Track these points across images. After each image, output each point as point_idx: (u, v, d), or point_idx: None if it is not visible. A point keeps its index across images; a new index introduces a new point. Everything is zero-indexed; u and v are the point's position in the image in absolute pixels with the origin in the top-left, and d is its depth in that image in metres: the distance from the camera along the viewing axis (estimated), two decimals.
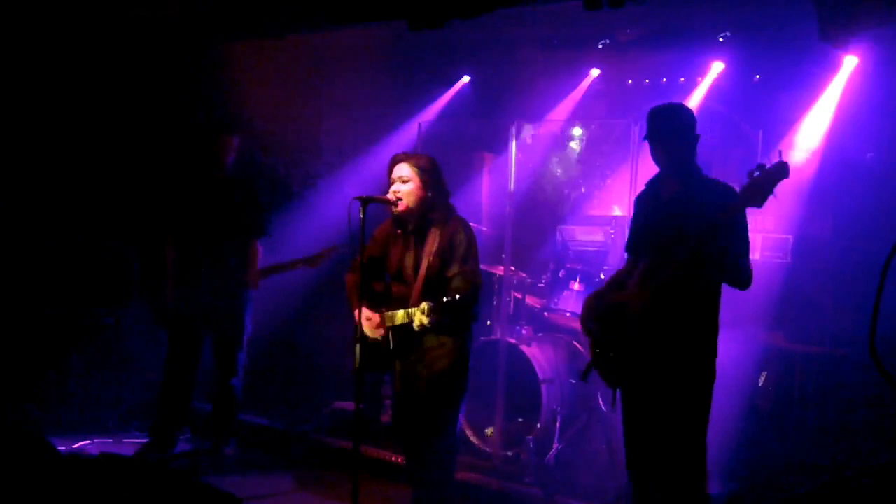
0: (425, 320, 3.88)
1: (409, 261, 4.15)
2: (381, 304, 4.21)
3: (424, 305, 3.88)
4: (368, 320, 4.11)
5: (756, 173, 3.21)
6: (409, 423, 4.22)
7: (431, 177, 4.14)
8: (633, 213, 3.90)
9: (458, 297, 3.86)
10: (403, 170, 4.12)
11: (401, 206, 4.11)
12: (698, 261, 3.40)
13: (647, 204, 3.80)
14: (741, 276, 3.48)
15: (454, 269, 4.07)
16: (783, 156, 3.19)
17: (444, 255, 4.07)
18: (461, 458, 4.65)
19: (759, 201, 3.22)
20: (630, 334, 3.57)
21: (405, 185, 4.10)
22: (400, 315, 4.06)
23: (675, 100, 3.83)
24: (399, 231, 4.22)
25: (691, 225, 3.41)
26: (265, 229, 5.36)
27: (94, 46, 6.00)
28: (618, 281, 3.83)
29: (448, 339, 4.08)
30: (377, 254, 4.28)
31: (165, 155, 6.06)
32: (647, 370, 3.54)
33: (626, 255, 3.94)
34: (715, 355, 3.57)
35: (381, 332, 4.14)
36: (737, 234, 3.44)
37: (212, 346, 5.38)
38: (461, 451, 4.70)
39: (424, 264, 4.07)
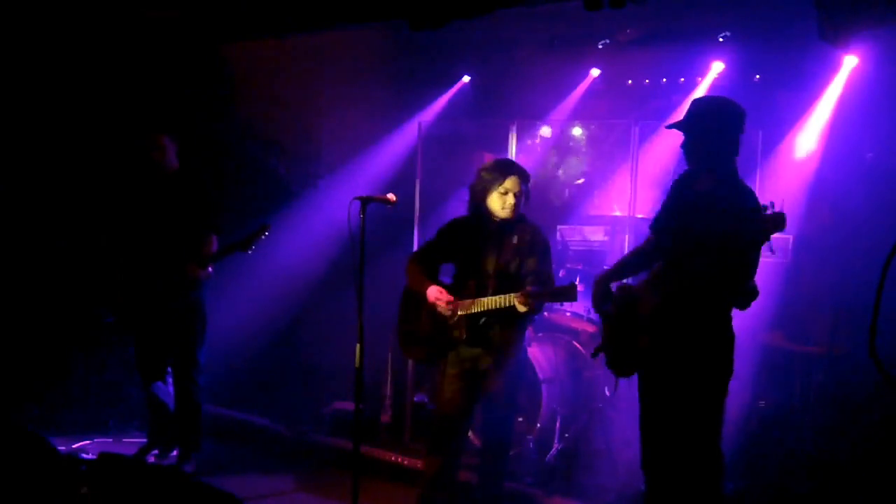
0: (522, 306, 4.04)
1: (488, 254, 4.30)
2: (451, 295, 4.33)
3: (525, 291, 4.04)
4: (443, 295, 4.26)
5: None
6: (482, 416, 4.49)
7: (528, 190, 4.37)
8: (668, 194, 3.78)
9: (554, 287, 4.16)
10: (519, 186, 4.29)
11: (511, 215, 4.27)
12: (714, 273, 3.36)
13: (683, 191, 3.68)
14: (742, 298, 3.46)
15: (530, 266, 4.25)
16: (777, 206, 3.16)
17: (523, 253, 4.27)
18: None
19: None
20: (639, 331, 3.55)
21: (517, 199, 4.28)
22: (488, 301, 4.16)
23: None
24: (476, 226, 4.35)
25: (716, 231, 3.33)
26: (216, 226, 5.15)
27: (95, 47, 6.00)
28: (635, 262, 3.84)
29: (516, 335, 4.29)
30: (445, 246, 4.44)
31: (112, 156, 5.97)
32: (656, 368, 3.53)
33: (648, 233, 3.86)
34: (730, 351, 3.52)
35: (450, 299, 4.25)
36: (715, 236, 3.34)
37: (169, 353, 5.20)
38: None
39: (504, 259, 4.26)
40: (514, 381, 4.37)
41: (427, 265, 4.41)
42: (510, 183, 4.26)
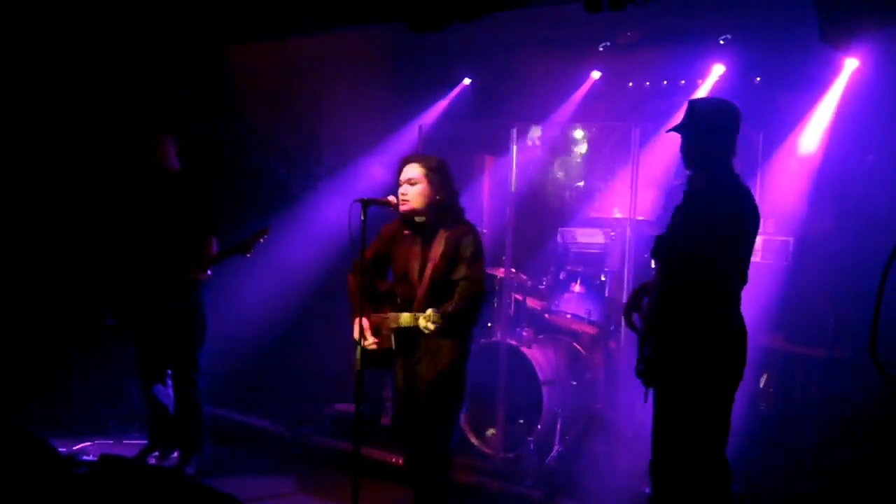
0: (431, 327, 3.87)
1: (415, 262, 4.11)
2: (385, 303, 4.21)
3: (430, 313, 3.86)
4: (364, 332, 4.08)
5: None
6: (409, 423, 4.23)
7: (440, 178, 4.08)
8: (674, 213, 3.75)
9: (462, 305, 3.88)
10: (412, 171, 4.07)
11: (406, 207, 4.06)
12: (683, 265, 3.38)
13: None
14: (700, 283, 3.37)
15: (460, 273, 4.03)
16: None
17: (450, 259, 4.03)
18: (462, 459, 4.64)
19: None
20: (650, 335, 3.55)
21: (413, 187, 4.05)
22: (405, 318, 4.03)
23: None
24: (406, 232, 4.19)
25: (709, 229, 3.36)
26: (216, 227, 5.12)
27: (96, 47, 6.01)
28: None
29: (449, 340, 4.07)
30: (382, 252, 4.26)
31: (113, 156, 5.96)
32: (664, 372, 3.52)
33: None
34: (733, 357, 3.50)
35: (376, 341, 4.11)
36: (694, 233, 3.37)
37: (169, 355, 5.18)
38: (462, 453, 4.70)
39: (430, 267, 4.04)
40: (444, 396, 4.06)
41: (367, 277, 4.14)
42: (403, 175, 4.07)
